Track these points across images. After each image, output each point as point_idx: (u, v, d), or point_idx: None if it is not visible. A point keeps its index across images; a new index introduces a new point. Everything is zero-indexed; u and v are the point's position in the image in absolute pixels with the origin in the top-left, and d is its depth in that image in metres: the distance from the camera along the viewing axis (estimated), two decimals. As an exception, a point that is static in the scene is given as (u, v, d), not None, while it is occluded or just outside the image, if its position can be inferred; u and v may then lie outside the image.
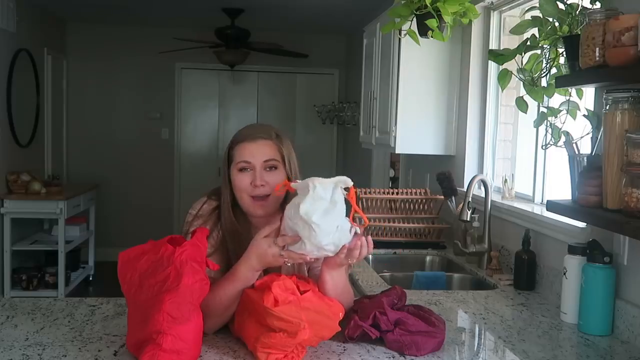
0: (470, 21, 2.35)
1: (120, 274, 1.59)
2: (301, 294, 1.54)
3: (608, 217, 1.65)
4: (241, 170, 1.73)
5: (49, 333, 1.72)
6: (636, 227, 1.50)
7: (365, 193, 3.30)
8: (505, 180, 2.87)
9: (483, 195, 2.79)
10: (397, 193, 3.38)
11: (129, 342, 1.58)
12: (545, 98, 2.13)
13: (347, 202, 1.54)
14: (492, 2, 3.11)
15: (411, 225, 3.21)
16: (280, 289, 1.52)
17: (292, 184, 1.57)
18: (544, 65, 2.08)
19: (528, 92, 2.13)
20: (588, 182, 1.77)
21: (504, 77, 2.21)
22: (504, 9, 3.08)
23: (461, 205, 2.73)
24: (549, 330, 1.94)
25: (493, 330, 1.92)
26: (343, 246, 1.55)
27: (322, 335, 1.58)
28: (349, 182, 1.53)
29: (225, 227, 1.75)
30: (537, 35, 2.04)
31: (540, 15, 1.99)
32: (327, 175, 1.59)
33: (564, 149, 1.98)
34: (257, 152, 1.73)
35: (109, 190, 6.98)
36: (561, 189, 2.29)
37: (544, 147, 2.12)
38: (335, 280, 1.66)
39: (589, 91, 2.10)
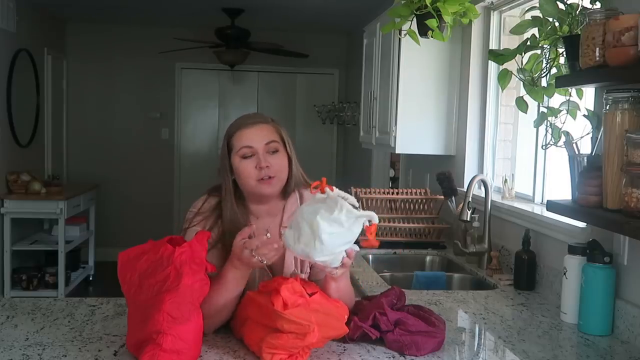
0: (470, 21, 2.35)
1: (120, 274, 1.59)
2: (309, 296, 1.55)
3: (608, 217, 1.65)
4: (244, 157, 1.72)
5: (49, 333, 1.72)
6: (636, 227, 1.50)
7: (365, 193, 3.30)
8: (505, 180, 2.87)
9: (483, 195, 2.79)
10: (397, 193, 3.39)
11: (129, 342, 1.58)
12: (545, 98, 2.13)
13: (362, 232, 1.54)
14: (492, 2, 3.11)
15: (411, 225, 3.21)
16: (289, 292, 1.52)
17: (327, 190, 1.52)
18: (544, 65, 2.08)
19: (528, 92, 2.13)
20: (588, 182, 1.77)
21: (504, 77, 2.21)
22: (504, 9, 3.08)
23: (461, 205, 2.73)
24: (549, 330, 1.94)
25: (493, 330, 1.92)
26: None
27: (330, 336, 1.58)
28: (375, 219, 1.51)
29: (226, 218, 1.74)
30: (537, 35, 2.04)
31: (540, 15, 1.99)
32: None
33: (564, 149, 1.98)
34: (257, 136, 1.73)
35: (109, 190, 6.97)
36: (561, 189, 2.29)
37: (544, 147, 2.11)
38: (339, 284, 1.67)
39: (589, 91, 2.10)
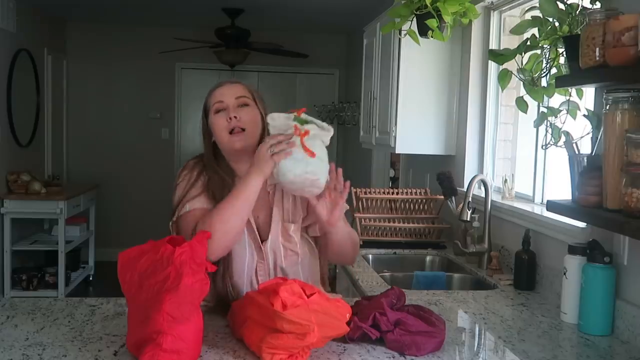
0: (470, 21, 2.36)
1: (120, 274, 1.59)
2: (308, 297, 1.55)
3: (608, 217, 1.65)
4: (217, 112, 1.85)
5: (49, 333, 1.72)
6: (636, 227, 1.50)
7: (365, 193, 3.30)
8: (505, 180, 2.87)
9: (483, 195, 2.79)
10: (397, 193, 3.39)
11: (129, 342, 1.58)
12: (545, 98, 2.13)
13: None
14: (492, 2, 3.11)
15: (411, 225, 3.21)
16: (287, 293, 1.52)
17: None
18: (544, 65, 2.07)
19: (528, 92, 2.13)
20: (588, 182, 1.77)
21: (504, 77, 2.21)
22: (504, 9, 3.08)
23: (461, 205, 2.73)
24: (549, 330, 1.94)
25: (493, 330, 1.92)
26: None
27: (330, 336, 1.58)
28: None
29: (209, 176, 1.86)
30: (537, 35, 2.04)
31: (540, 15, 1.99)
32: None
33: (564, 149, 1.98)
34: (227, 92, 1.87)
35: (109, 190, 6.97)
36: (561, 189, 2.29)
37: (544, 147, 2.11)
38: (339, 232, 1.83)
39: (589, 91, 2.10)
